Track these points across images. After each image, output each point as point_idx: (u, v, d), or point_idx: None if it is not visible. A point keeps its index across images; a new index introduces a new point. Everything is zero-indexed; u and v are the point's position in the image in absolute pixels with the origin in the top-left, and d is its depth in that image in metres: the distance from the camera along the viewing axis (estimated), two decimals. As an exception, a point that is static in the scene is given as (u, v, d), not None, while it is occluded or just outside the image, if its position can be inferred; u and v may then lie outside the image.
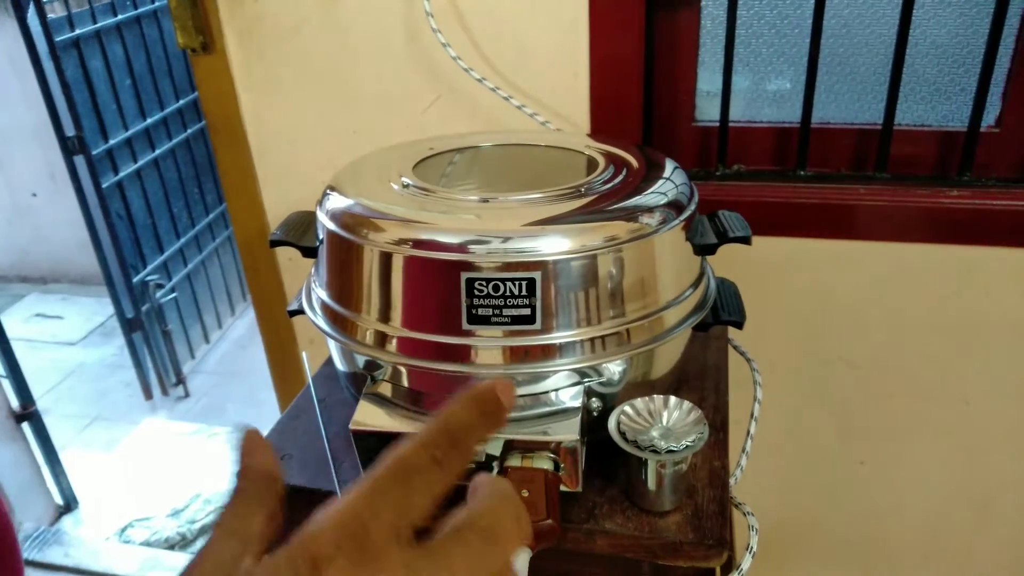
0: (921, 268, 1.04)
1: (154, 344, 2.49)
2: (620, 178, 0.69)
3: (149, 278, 2.44)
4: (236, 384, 2.63)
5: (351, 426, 0.62)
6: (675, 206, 0.66)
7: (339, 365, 0.74)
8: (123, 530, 1.97)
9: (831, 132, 1.06)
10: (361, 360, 0.67)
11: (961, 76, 1.01)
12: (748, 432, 0.77)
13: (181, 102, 2.58)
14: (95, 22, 2.20)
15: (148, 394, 2.55)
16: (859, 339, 1.12)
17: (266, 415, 2.22)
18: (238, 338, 2.91)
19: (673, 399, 0.61)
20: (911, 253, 1.03)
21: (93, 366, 2.79)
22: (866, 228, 1.03)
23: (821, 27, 0.97)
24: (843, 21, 1.00)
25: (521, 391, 0.62)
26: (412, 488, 0.24)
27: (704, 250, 0.70)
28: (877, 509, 1.26)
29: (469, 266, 0.59)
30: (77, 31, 2.13)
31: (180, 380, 2.58)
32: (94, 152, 2.18)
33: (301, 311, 0.73)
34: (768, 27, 1.03)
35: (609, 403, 0.64)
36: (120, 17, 2.29)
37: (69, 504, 2.05)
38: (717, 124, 1.05)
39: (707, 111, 1.08)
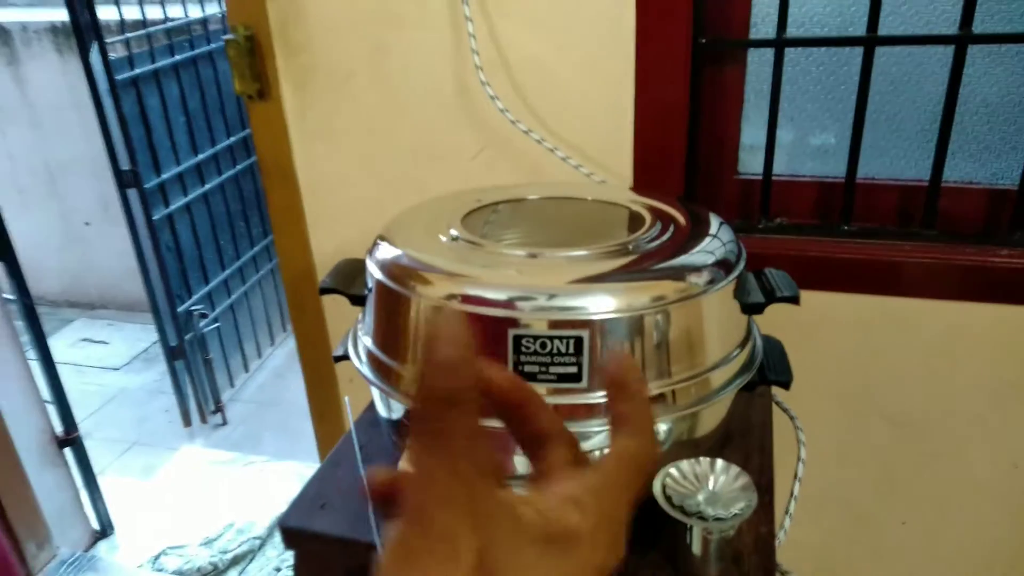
0: (968, 327, 1.02)
1: (195, 372, 2.53)
2: (667, 236, 0.70)
3: (193, 308, 2.50)
4: (273, 413, 2.66)
5: (395, 477, 0.62)
6: (723, 265, 0.66)
7: (382, 412, 0.75)
8: (156, 557, 1.99)
9: (876, 188, 1.05)
10: (405, 409, 0.68)
11: (1012, 134, 1.00)
12: (792, 494, 0.76)
13: (231, 139, 2.66)
14: (153, 62, 2.28)
15: (187, 421, 2.59)
16: (902, 397, 1.09)
17: (301, 445, 2.24)
18: (276, 367, 2.94)
19: (720, 463, 0.60)
20: (958, 312, 1.01)
21: (134, 392, 2.84)
22: (911, 285, 1.02)
23: (868, 85, 0.97)
24: (890, 79, 1.00)
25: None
26: None
27: (752, 309, 0.69)
28: (918, 571, 1.22)
29: (516, 323, 0.59)
30: (136, 70, 2.22)
31: (218, 408, 2.61)
32: (147, 185, 2.25)
33: (346, 357, 0.74)
34: (814, 83, 1.04)
35: (652, 462, 0.64)
36: (177, 58, 2.37)
37: (105, 529, 2.07)
38: (760, 177, 1.05)
39: (750, 164, 1.08)
